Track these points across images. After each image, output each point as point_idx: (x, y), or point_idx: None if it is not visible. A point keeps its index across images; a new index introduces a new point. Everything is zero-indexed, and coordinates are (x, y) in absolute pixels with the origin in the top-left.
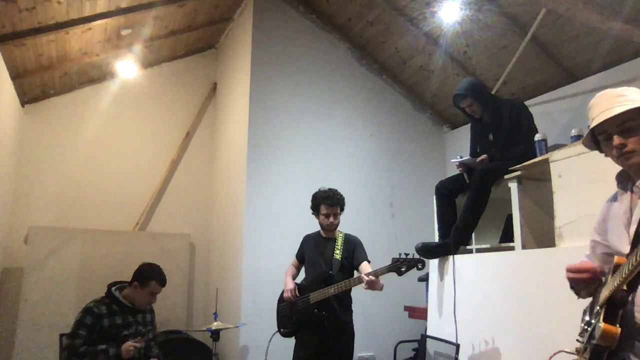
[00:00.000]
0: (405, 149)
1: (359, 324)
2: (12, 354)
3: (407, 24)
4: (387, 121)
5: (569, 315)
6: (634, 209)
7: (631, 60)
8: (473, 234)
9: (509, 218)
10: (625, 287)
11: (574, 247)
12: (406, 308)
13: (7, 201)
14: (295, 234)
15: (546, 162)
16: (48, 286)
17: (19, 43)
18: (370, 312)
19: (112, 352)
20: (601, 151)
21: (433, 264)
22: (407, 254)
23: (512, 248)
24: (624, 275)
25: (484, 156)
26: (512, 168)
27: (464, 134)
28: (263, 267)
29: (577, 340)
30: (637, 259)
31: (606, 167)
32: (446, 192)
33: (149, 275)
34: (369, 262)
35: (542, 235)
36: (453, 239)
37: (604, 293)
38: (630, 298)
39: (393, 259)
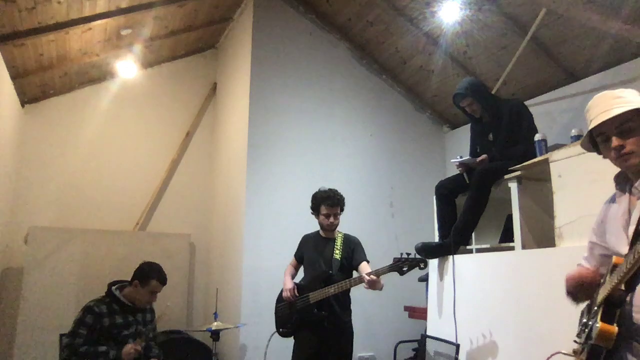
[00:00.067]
0: (405, 149)
1: (359, 324)
2: (12, 354)
3: (407, 24)
4: (387, 121)
5: (569, 315)
6: (632, 210)
7: (631, 60)
8: (473, 234)
9: (509, 218)
10: (623, 287)
11: (574, 247)
12: (406, 308)
13: (7, 201)
14: (295, 234)
15: (546, 162)
16: (48, 286)
17: (19, 43)
18: (370, 312)
19: (113, 355)
20: (599, 153)
21: (433, 264)
22: (408, 254)
23: (512, 248)
24: (621, 275)
25: (484, 156)
26: (512, 168)
27: (464, 134)
28: (263, 267)
29: (575, 341)
30: (635, 256)
31: (606, 167)
32: (446, 192)
33: (150, 274)
34: (368, 262)
35: (542, 235)
36: (453, 239)
37: (602, 293)
38: (628, 298)
39: (394, 258)
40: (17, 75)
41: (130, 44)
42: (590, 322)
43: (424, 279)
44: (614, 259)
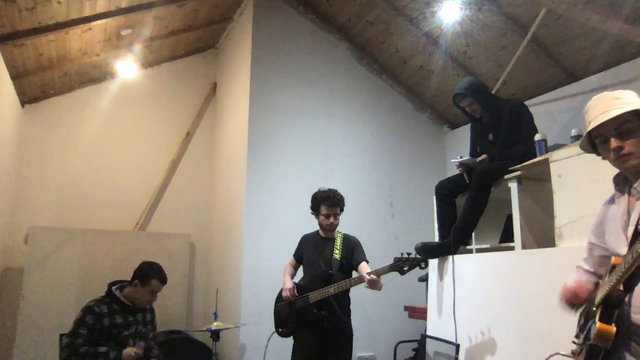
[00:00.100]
0: (405, 149)
1: (359, 324)
2: (12, 354)
3: (407, 24)
4: (387, 121)
5: (569, 315)
6: (631, 211)
7: (631, 60)
8: (473, 234)
9: (509, 218)
10: (621, 288)
11: (574, 247)
12: (406, 308)
13: (7, 201)
14: (295, 234)
15: (546, 162)
16: (48, 286)
17: (19, 43)
18: (370, 312)
19: (113, 355)
20: (598, 154)
21: (433, 264)
22: (409, 254)
23: (512, 248)
24: (620, 274)
25: (484, 156)
26: (512, 168)
27: (464, 134)
28: (263, 267)
29: (573, 342)
30: (634, 256)
31: (606, 167)
32: (446, 192)
33: (150, 274)
34: (367, 262)
35: (542, 235)
36: (453, 239)
37: (601, 293)
38: (626, 299)
39: (395, 258)
40: (17, 75)
41: (130, 44)
42: (588, 323)
43: (424, 279)
44: (613, 259)
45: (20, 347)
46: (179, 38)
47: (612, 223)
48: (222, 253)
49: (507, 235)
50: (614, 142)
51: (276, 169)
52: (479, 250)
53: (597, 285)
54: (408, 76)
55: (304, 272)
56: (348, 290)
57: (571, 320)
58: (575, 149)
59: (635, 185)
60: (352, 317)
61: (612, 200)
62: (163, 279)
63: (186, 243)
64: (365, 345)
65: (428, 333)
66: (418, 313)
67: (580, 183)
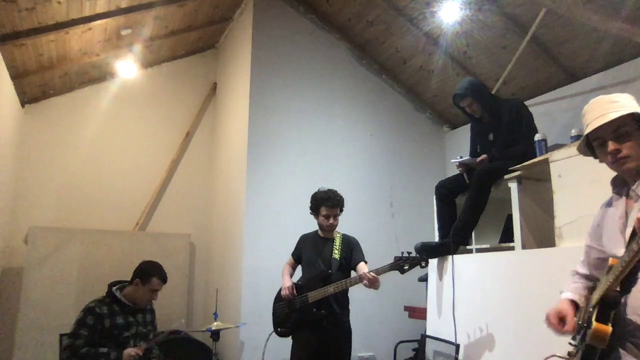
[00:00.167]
0: (405, 149)
1: (359, 323)
2: (12, 354)
3: (407, 24)
4: (387, 121)
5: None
6: (629, 214)
7: (631, 60)
8: (473, 234)
9: (509, 218)
10: (618, 288)
11: (574, 247)
12: (406, 308)
13: (7, 201)
14: (295, 234)
15: (546, 162)
16: (48, 286)
17: (19, 43)
18: (370, 312)
19: (114, 356)
20: (596, 157)
21: (432, 263)
22: (409, 253)
23: (512, 248)
24: (616, 274)
25: (484, 156)
26: (512, 168)
27: (464, 134)
28: (263, 267)
29: (570, 344)
30: (630, 255)
31: (606, 168)
32: (446, 192)
33: (150, 272)
34: (365, 262)
35: (542, 235)
36: (453, 238)
37: (597, 293)
38: (623, 300)
39: (395, 257)
40: (17, 75)
41: (130, 44)
42: (585, 324)
43: (424, 278)
44: (611, 260)
45: (20, 347)
46: (178, 38)
47: (610, 225)
48: (222, 253)
49: (507, 235)
50: (611, 145)
51: (276, 169)
52: (478, 250)
53: (592, 289)
54: (408, 76)
55: (302, 272)
56: (347, 290)
57: None
58: (575, 149)
59: (633, 187)
60: (351, 317)
61: (609, 203)
62: (163, 278)
63: (186, 243)
64: (365, 345)
65: (428, 333)
66: (418, 313)
67: (580, 183)
